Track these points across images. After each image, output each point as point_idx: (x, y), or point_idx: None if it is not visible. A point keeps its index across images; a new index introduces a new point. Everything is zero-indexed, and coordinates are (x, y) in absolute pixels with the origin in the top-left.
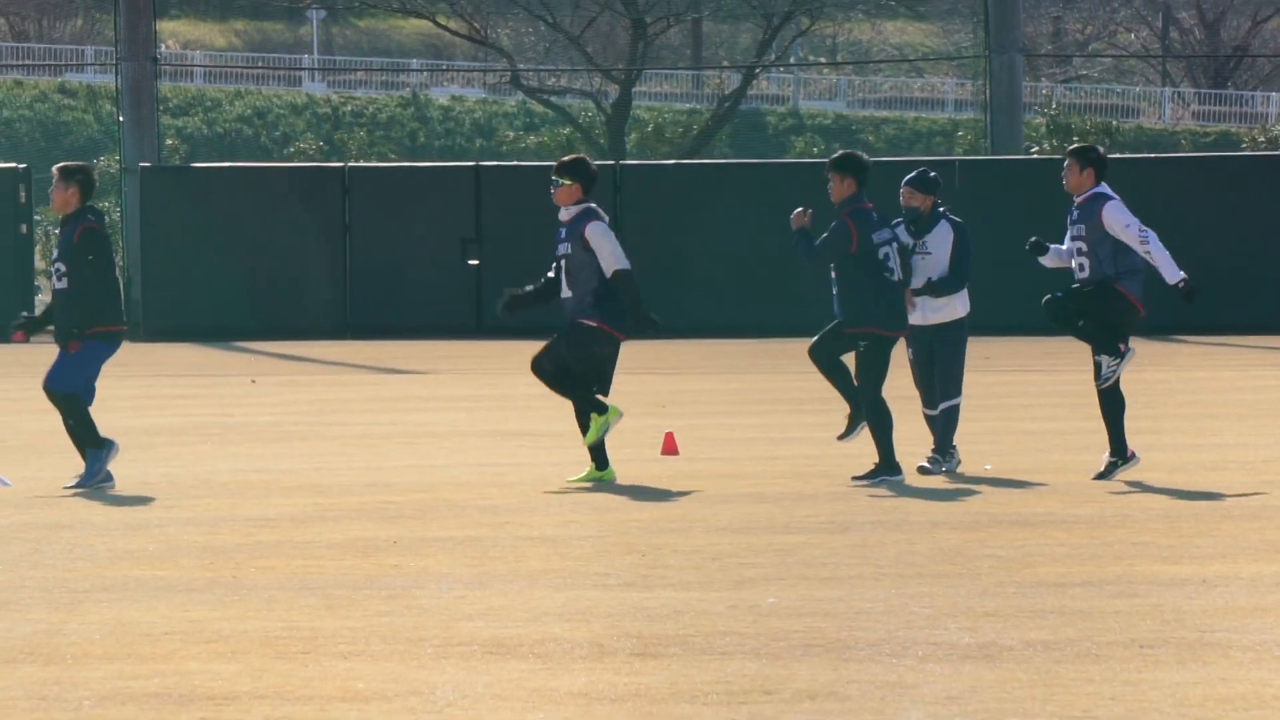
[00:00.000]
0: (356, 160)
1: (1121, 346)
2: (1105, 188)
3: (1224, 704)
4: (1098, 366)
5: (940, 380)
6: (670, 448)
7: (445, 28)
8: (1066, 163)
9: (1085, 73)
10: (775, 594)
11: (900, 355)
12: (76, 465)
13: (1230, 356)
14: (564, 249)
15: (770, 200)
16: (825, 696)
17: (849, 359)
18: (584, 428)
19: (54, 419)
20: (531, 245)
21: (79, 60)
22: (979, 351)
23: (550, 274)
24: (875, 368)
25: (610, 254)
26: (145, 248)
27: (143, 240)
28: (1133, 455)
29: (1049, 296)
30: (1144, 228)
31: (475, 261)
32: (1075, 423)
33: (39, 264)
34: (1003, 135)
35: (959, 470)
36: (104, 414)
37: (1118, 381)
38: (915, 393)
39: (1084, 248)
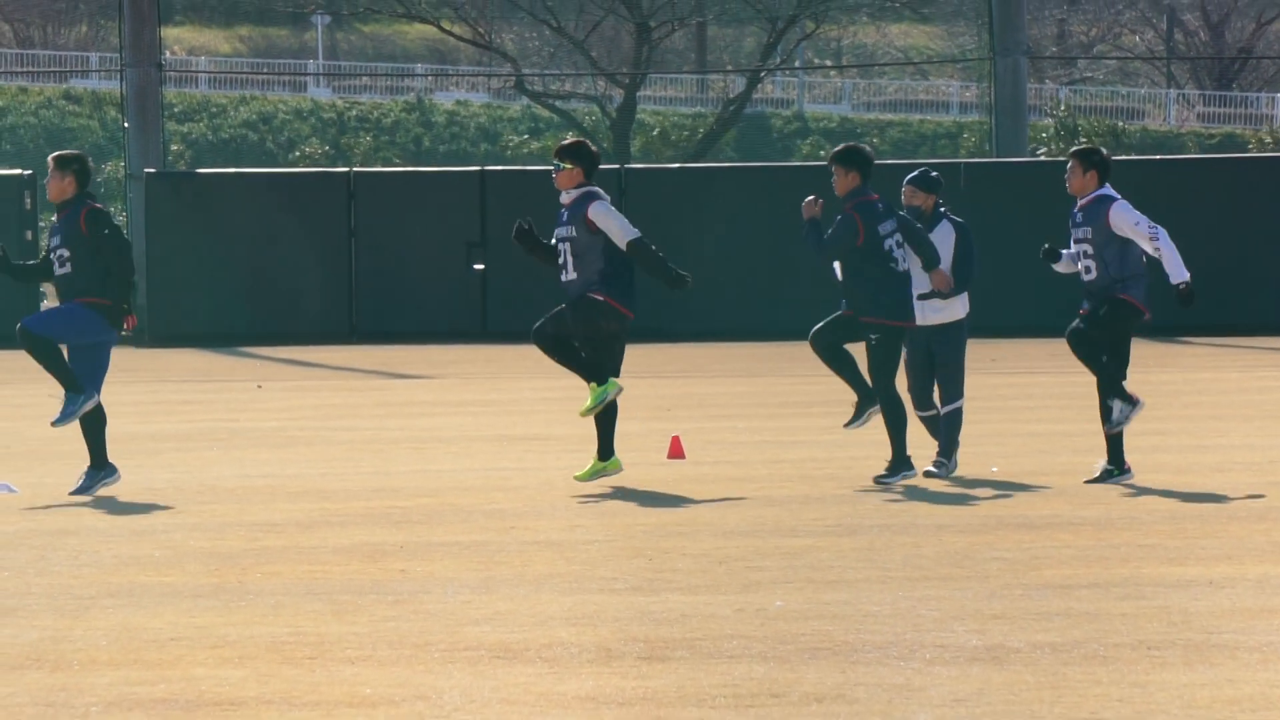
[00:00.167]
0: (361, 165)
1: (1133, 395)
2: (1109, 189)
3: (1231, 705)
4: (1107, 410)
5: (942, 383)
6: (676, 451)
7: (450, 33)
8: (1070, 165)
9: (1090, 75)
10: (782, 597)
11: None
12: (82, 470)
13: (1236, 357)
14: (566, 231)
15: (775, 203)
16: (833, 699)
17: (854, 348)
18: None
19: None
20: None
21: (84, 66)
22: (985, 353)
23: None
24: (887, 361)
25: (619, 229)
26: (150, 254)
27: (148, 246)
28: (1128, 469)
29: (1072, 327)
30: (1153, 224)
31: (480, 266)
32: (1081, 425)
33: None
34: (1007, 138)
35: (959, 474)
36: (110, 420)
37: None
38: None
39: (1090, 250)
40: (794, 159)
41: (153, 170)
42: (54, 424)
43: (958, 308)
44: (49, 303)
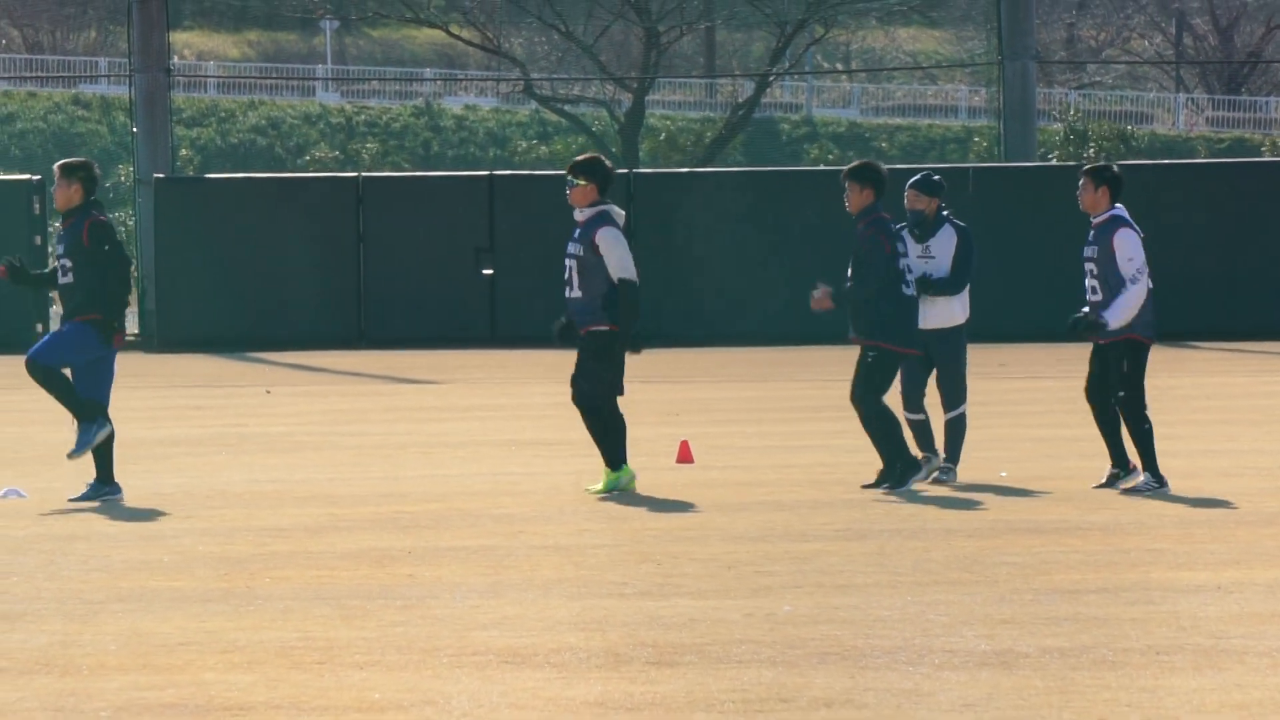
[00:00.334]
0: (370, 170)
1: (1163, 476)
2: (1121, 210)
3: (1240, 710)
4: (1122, 473)
5: (943, 390)
6: (685, 456)
7: (458, 37)
8: (1081, 182)
9: (1099, 79)
10: (791, 602)
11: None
12: (89, 477)
13: (1245, 362)
14: (575, 249)
15: (784, 208)
16: (842, 704)
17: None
18: (607, 460)
19: (68, 431)
20: (545, 254)
21: (93, 72)
22: (994, 358)
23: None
24: (878, 380)
25: (618, 262)
26: (159, 259)
27: (156, 251)
28: (1134, 469)
29: (1088, 380)
30: (1141, 271)
31: (489, 271)
32: (1090, 429)
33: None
34: (1016, 142)
35: (968, 479)
36: (119, 426)
37: (1144, 406)
38: (931, 397)
39: (1094, 270)
40: (802, 163)
41: (161, 175)
42: (70, 456)
43: (957, 312)
44: (57, 309)
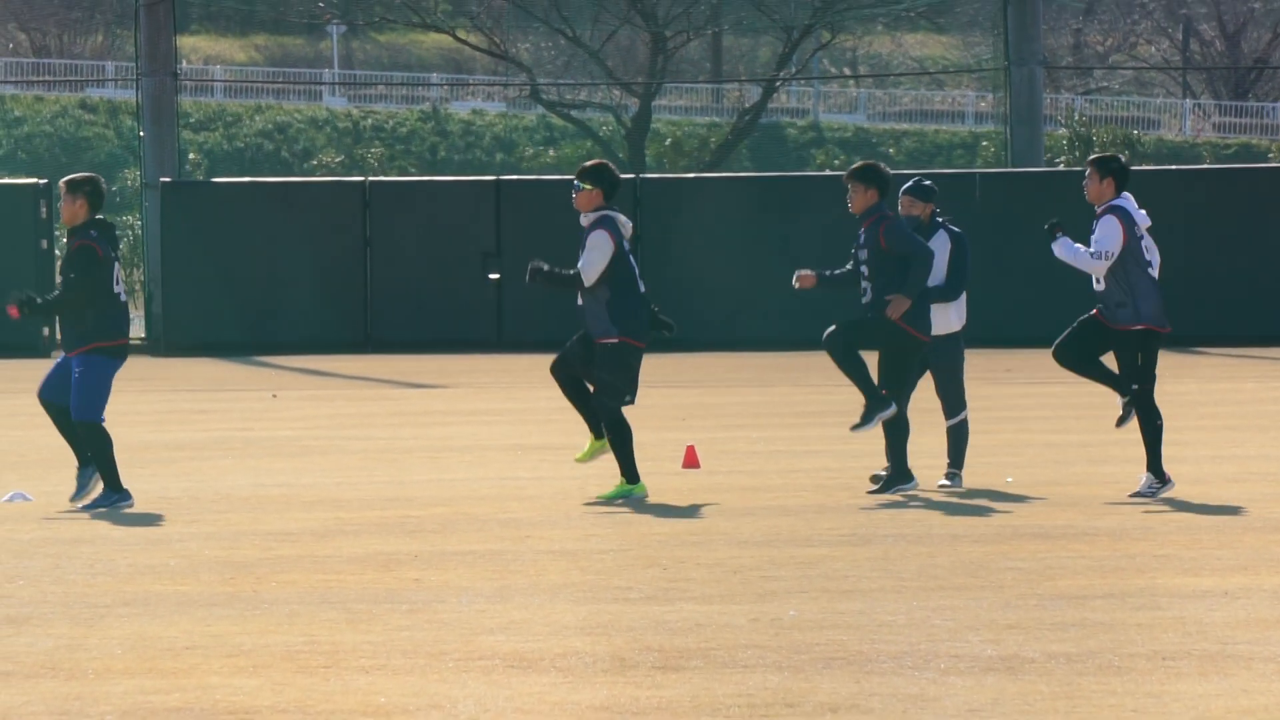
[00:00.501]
0: (377, 174)
1: (1167, 475)
2: (1123, 200)
3: (1246, 716)
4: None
5: (942, 396)
6: (691, 461)
7: (465, 42)
8: (1087, 172)
9: (1106, 85)
10: (797, 607)
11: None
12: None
13: (1252, 368)
14: (580, 255)
15: (790, 213)
16: (847, 709)
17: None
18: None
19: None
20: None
21: (99, 76)
22: (1000, 364)
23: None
24: (902, 371)
25: (586, 260)
26: (166, 263)
27: (163, 255)
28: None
29: (1065, 339)
30: (1106, 252)
31: (496, 275)
32: (1096, 435)
33: (60, 280)
34: (1023, 147)
35: (974, 484)
36: (125, 429)
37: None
38: (932, 404)
39: None
40: (809, 169)
41: (168, 179)
42: (73, 500)
43: (953, 319)
44: None
